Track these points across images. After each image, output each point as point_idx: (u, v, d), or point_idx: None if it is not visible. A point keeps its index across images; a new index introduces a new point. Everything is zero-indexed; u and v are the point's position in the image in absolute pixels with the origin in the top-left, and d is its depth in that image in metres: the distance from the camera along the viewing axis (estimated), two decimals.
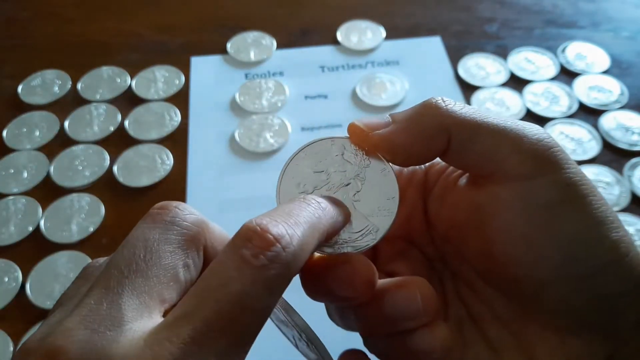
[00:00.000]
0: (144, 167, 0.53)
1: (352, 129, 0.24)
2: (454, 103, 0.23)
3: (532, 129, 0.23)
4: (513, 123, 0.23)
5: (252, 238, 0.18)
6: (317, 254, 0.23)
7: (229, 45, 0.64)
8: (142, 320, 0.18)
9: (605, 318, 0.22)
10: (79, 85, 0.61)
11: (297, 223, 0.19)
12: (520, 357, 0.24)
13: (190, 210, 0.22)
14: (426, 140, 0.23)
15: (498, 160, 0.22)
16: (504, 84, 0.60)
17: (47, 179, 0.52)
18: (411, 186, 0.28)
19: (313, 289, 0.24)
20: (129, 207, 0.50)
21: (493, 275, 0.25)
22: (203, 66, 0.63)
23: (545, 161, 0.22)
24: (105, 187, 0.52)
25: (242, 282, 0.17)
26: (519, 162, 0.22)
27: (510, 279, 0.24)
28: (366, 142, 0.24)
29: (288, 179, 0.25)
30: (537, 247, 0.22)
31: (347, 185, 0.24)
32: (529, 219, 0.22)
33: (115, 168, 0.53)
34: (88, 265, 0.22)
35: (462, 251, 0.26)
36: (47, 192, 0.51)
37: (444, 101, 0.23)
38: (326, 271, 0.23)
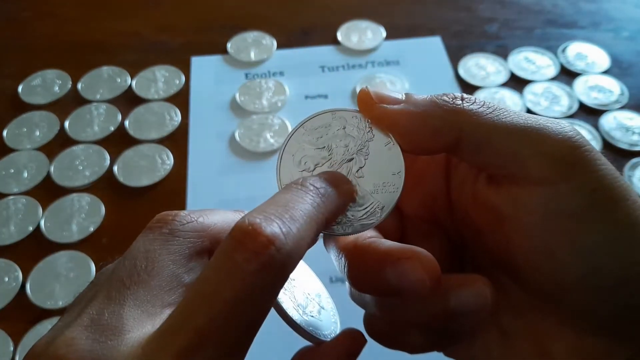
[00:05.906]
0: (144, 167, 0.53)
1: (362, 95, 0.23)
2: (472, 101, 0.22)
3: (555, 127, 0.21)
4: (534, 121, 0.21)
5: (244, 241, 0.18)
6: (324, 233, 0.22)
7: (229, 45, 0.64)
8: (144, 328, 0.18)
9: (628, 325, 0.21)
10: (79, 85, 0.61)
11: (293, 218, 0.19)
12: (532, 348, 0.23)
13: (189, 218, 0.21)
14: (432, 132, 0.22)
15: (517, 163, 0.21)
16: (504, 84, 0.60)
17: (48, 178, 0.52)
18: (434, 163, 0.26)
19: (364, 283, 0.22)
20: (129, 207, 0.50)
21: (511, 272, 0.23)
22: (203, 66, 0.63)
23: (569, 164, 0.20)
24: (106, 187, 0.52)
25: (235, 288, 0.17)
26: (539, 166, 0.21)
27: (529, 278, 0.23)
28: (371, 112, 0.23)
29: (288, 157, 0.23)
30: (560, 257, 0.21)
31: (350, 160, 0.23)
32: (551, 227, 0.21)
33: (115, 168, 0.53)
34: (100, 272, 0.22)
35: (481, 240, 0.24)
36: (48, 192, 0.51)
37: (462, 99, 0.22)
38: (383, 266, 0.21)
